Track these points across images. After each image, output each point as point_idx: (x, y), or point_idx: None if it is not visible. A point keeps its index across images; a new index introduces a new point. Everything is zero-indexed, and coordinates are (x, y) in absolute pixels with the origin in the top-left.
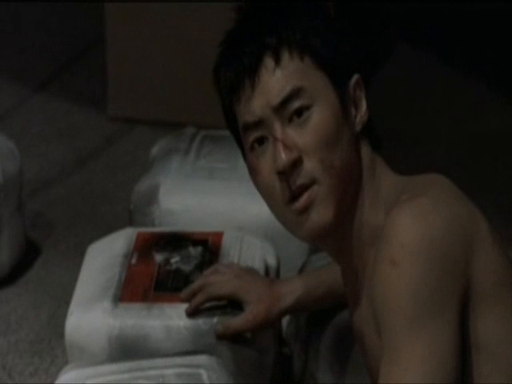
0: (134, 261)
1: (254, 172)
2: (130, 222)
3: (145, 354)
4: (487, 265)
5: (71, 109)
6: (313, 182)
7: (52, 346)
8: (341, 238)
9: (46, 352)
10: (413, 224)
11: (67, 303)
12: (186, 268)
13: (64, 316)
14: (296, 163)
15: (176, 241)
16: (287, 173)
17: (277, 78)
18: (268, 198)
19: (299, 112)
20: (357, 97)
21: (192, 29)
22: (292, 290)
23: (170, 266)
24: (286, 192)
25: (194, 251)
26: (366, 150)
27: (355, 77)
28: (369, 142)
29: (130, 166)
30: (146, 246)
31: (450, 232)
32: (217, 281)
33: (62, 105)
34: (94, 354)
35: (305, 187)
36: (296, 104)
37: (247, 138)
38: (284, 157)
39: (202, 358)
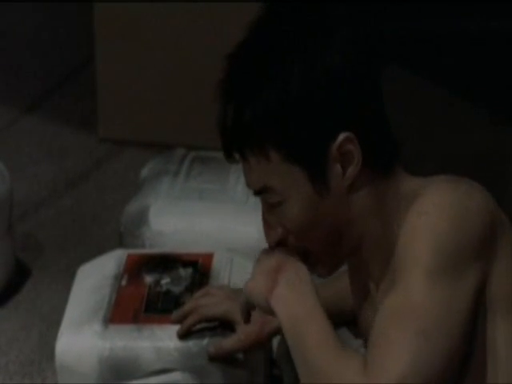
0: (124, 282)
1: None
2: (120, 244)
3: (135, 376)
4: (503, 272)
5: (61, 130)
6: (305, 251)
7: (42, 367)
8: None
9: (36, 374)
10: (447, 190)
11: (57, 325)
12: (177, 289)
13: (54, 338)
14: (282, 240)
15: (166, 262)
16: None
17: (250, 173)
18: None
19: (274, 204)
20: (346, 152)
21: (183, 51)
22: None
23: (161, 288)
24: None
25: (185, 273)
26: (366, 189)
27: (341, 137)
28: (374, 170)
29: (120, 187)
30: (136, 268)
31: (482, 210)
32: (208, 302)
33: (51, 126)
34: (85, 376)
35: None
36: (269, 199)
37: None
38: (269, 238)
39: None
